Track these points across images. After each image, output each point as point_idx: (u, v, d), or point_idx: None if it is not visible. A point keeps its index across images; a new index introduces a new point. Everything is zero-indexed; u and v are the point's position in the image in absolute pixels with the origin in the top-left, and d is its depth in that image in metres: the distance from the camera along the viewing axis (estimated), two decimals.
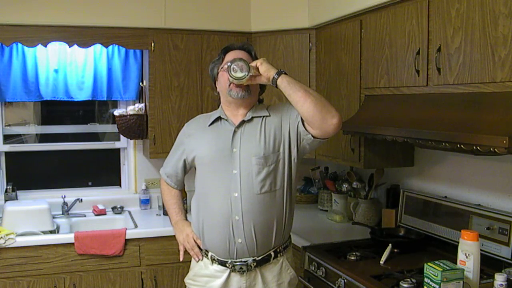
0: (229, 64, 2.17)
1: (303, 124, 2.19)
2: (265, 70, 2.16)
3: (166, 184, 2.55)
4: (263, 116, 2.31)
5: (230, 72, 2.16)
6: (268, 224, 2.25)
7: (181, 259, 2.46)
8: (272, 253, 2.30)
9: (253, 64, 2.18)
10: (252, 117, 2.30)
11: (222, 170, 2.26)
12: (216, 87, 2.41)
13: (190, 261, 2.46)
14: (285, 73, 2.15)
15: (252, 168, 2.23)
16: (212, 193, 2.28)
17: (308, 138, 2.21)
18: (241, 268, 2.25)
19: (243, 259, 2.25)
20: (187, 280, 2.44)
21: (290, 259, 2.40)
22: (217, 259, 2.29)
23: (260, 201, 2.23)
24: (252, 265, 2.26)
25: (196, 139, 2.38)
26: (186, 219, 2.52)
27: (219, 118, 2.35)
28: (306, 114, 2.10)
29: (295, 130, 2.25)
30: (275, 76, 2.14)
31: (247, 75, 2.15)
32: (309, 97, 2.08)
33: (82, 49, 3.56)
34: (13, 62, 3.55)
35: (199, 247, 2.37)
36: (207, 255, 2.33)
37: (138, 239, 3.24)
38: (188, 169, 2.49)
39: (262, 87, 2.41)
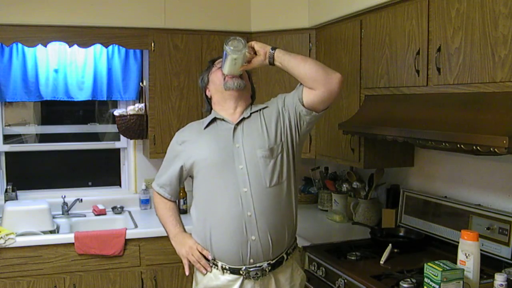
0: (225, 45, 2.14)
1: (303, 104, 2.21)
2: (261, 46, 2.20)
3: (159, 197, 2.43)
4: (261, 109, 2.32)
5: (229, 49, 2.13)
6: (281, 220, 2.23)
7: (187, 274, 2.30)
8: (285, 255, 2.26)
9: (248, 44, 2.19)
10: (251, 113, 2.30)
11: (227, 168, 2.21)
12: (207, 96, 2.41)
13: (194, 273, 2.36)
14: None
15: (259, 161, 2.20)
16: (219, 193, 2.21)
17: (313, 115, 2.23)
18: (256, 274, 2.19)
19: (257, 264, 2.19)
20: None
21: (298, 259, 2.39)
22: (229, 267, 2.20)
23: (270, 194, 2.20)
24: (267, 269, 2.20)
25: (192, 144, 2.31)
26: (185, 231, 2.40)
27: (214, 120, 2.32)
28: (309, 72, 2.13)
29: (295, 113, 2.26)
30: (271, 50, 2.19)
31: (244, 47, 2.14)
32: (308, 59, 2.20)
33: (82, 49, 3.56)
34: (13, 62, 3.55)
35: (205, 258, 2.26)
36: (216, 266, 2.23)
37: (138, 239, 3.24)
38: (184, 177, 2.39)
39: (253, 91, 2.43)
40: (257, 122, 2.28)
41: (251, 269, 2.19)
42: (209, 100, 2.41)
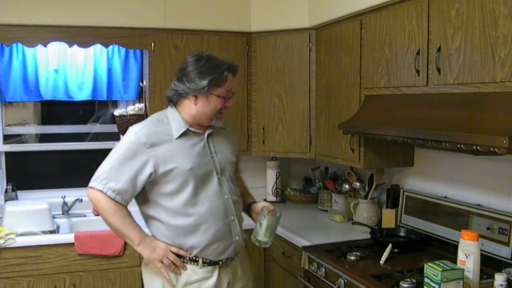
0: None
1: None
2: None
3: (113, 202, 2.21)
4: (221, 128, 2.43)
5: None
6: (242, 221, 2.45)
7: (168, 277, 2.24)
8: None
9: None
10: (220, 127, 2.42)
11: (210, 177, 2.30)
12: (196, 97, 2.25)
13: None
14: None
15: (229, 174, 2.40)
16: (205, 200, 2.27)
17: None
18: (228, 262, 2.35)
19: (232, 256, 2.37)
20: None
21: None
22: (210, 261, 2.29)
23: (237, 201, 2.40)
24: (234, 256, 2.39)
25: (166, 150, 2.23)
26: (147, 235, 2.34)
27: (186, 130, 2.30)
28: None
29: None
30: None
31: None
32: None
33: (82, 49, 3.56)
34: (13, 62, 3.55)
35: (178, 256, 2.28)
36: (196, 261, 2.28)
37: None
38: (147, 183, 2.25)
39: None
40: (223, 136, 2.43)
41: (228, 259, 2.35)
42: (180, 94, 2.28)
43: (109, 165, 2.24)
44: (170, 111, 2.34)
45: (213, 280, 2.29)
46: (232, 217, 2.33)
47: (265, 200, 3.86)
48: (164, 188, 2.25)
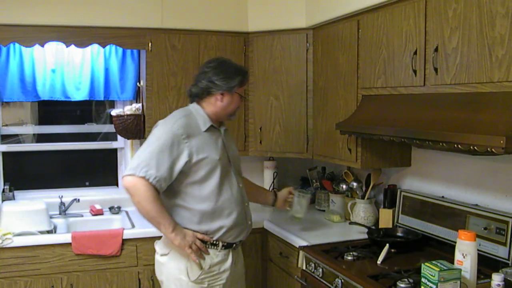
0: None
1: None
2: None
3: (152, 189, 2.36)
4: (227, 128, 2.73)
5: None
6: None
7: (197, 261, 2.48)
8: None
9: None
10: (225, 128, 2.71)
11: (229, 167, 2.59)
12: (222, 95, 2.55)
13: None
14: None
15: (238, 168, 2.72)
16: (229, 188, 2.55)
17: None
18: (239, 244, 2.65)
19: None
20: (204, 276, 2.50)
21: None
22: (227, 243, 2.55)
23: (245, 192, 2.72)
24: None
25: (199, 141, 2.48)
26: None
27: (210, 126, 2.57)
28: None
29: None
30: None
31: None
32: None
33: (80, 49, 3.56)
34: (10, 62, 3.54)
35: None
36: (216, 245, 2.53)
37: (135, 239, 3.23)
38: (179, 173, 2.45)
39: None
40: (227, 135, 2.70)
41: (240, 242, 2.65)
42: (210, 92, 2.55)
43: (148, 155, 2.39)
44: (194, 107, 2.61)
45: (229, 261, 2.57)
46: (246, 204, 2.66)
47: None
48: (194, 177, 2.47)
